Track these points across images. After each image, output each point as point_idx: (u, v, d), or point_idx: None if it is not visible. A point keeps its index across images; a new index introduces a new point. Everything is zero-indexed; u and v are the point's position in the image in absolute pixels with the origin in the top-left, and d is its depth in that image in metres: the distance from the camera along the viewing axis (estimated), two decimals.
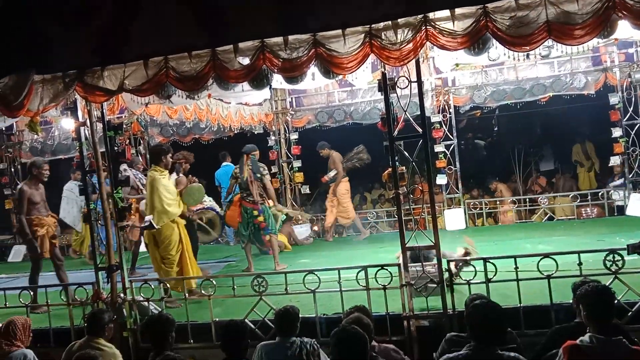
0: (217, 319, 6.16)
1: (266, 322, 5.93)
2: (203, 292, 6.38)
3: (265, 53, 5.75)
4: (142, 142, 11.72)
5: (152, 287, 6.48)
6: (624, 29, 5.70)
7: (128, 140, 11.33)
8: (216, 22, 5.98)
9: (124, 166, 9.94)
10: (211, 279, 6.50)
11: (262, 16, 5.88)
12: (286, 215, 10.64)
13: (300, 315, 4.95)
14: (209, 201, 10.02)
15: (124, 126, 10.98)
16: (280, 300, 6.02)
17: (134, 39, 6.09)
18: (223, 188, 10.92)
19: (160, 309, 6.24)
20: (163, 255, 7.28)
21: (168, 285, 6.73)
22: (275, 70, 5.82)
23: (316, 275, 6.02)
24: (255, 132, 12.11)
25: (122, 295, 6.46)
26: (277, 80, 6.31)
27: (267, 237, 8.96)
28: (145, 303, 6.42)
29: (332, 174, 11.06)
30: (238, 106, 10.62)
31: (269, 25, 5.82)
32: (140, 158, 11.32)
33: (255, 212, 8.81)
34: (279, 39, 5.73)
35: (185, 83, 6.05)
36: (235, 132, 11.52)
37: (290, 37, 5.72)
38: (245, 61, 5.93)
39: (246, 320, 5.96)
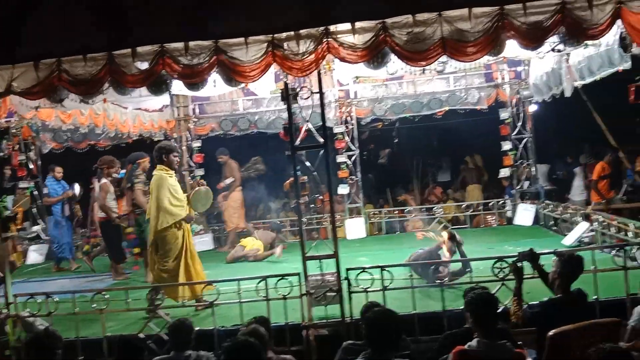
0: (109, 334, 5.90)
1: (162, 337, 5.73)
2: (94, 306, 6.07)
3: (165, 58, 5.64)
4: (33, 147, 11.06)
5: (38, 301, 6.10)
6: (512, 48, 6.07)
7: (17, 146, 10.69)
8: (114, 24, 5.80)
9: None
10: (103, 293, 6.21)
11: (163, 21, 5.77)
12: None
13: (197, 328, 4.85)
14: None
15: (14, 131, 10.39)
16: (177, 313, 5.87)
17: (25, 39, 5.80)
18: None
19: (48, 324, 5.87)
20: (158, 260, 6.78)
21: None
22: (175, 76, 5.72)
23: (215, 286, 5.91)
24: (156, 139, 11.73)
25: (4, 310, 6.04)
26: (177, 87, 6.19)
27: (137, 250, 8.79)
28: (31, 319, 6.02)
29: (228, 181, 11.02)
30: (137, 112, 10.28)
31: (170, 30, 5.72)
32: (32, 165, 10.74)
33: (124, 224, 8.62)
34: (180, 45, 5.64)
35: (79, 87, 5.82)
36: (134, 138, 11.13)
37: (192, 43, 5.64)
38: (144, 66, 5.78)
39: (140, 334, 5.77)
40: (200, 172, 11.76)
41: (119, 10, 5.75)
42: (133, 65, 5.76)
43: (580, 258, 4.89)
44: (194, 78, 5.70)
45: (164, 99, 9.23)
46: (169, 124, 11.77)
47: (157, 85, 5.82)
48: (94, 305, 6.01)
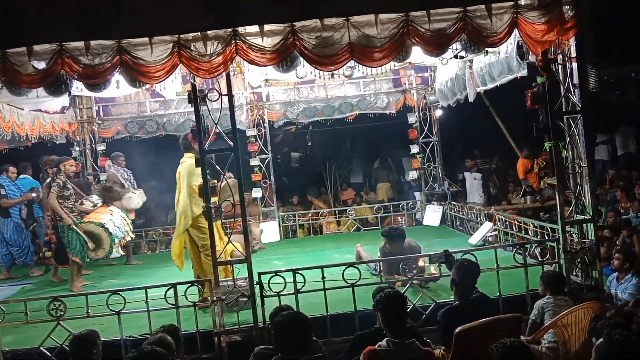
0: (6, 349, 5.55)
1: (64, 349, 5.45)
2: None
3: (64, 58, 5.40)
4: None
5: None
6: (417, 54, 6.25)
7: None
8: (8, 21, 5.50)
9: (108, 162, 10.39)
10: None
11: (62, 18, 5.53)
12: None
13: (102, 339, 4.68)
14: (109, 217, 8.70)
15: None
16: (82, 324, 5.61)
17: None
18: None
19: None
20: (204, 254, 6.52)
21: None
22: (75, 77, 5.49)
23: (121, 295, 5.70)
24: (57, 142, 11.14)
25: None
26: (78, 87, 5.93)
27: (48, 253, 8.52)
28: None
29: None
30: (37, 113, 9.71)
31: (70, 29, 5.49)
32: None
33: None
34: (80, 44, 5.42)
35: None
36: (34, 142, 10.51)
37: (93, 42, 5.44)
38: (41, 65, 5.50)
39: (41, 347, 5.48)
40: (104, 176, 11.24)
41: (11, 7, 5.44)
42: (29, 65, 5.48)
43: (471, 264, 5.02)
44: (96, 79, 5.48)
45: (64, 100, 8.81)
46: (71, 127, 11.18)
47: (56, 85, 5.56)
48: None
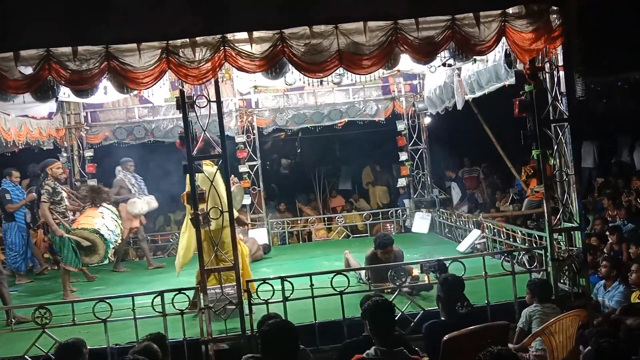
0: None
1: (50, 357, 5.38)
2: None
3: (52, 63, 5.37)
4: None
5: None
6: (406, 61, 6.27)
7: None
8: None
9: (118, 167, 10.15)
10: None
11: (49, 23, 5.49)
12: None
13: (88, 347, 4.62)
14: (101, 221, 8.40)
15: None
16: (68, 332, 5.55)
17: None
18: None
19: None
20: (222, 258, 6.22)
21: None
22: (63, 82, 5.45)
23: (107, 303, 5.64)
24: (44, 148, 11.06)
25: None
26: (65, 93, 5.89)
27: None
28: None
29: None
30: (24, 119, 9.64)
31: (57, 34, 5.45)
32: None
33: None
34: (67, 49, 5.39)
35: None
36: (21, 147, 10.42)
37: (81, 48, 5.40)
38: (28, 70, 5.46)
39: (26, 356, 5.42)
40: (92, 182, 11.16)
41: None
42: (16, 70, 5.44)
43: (455, 279, 4.92)
44: (83, 84, 5.45)
45: (51, 105, 8.73)
46: (59, 132, 11.11)
47: (43, 91, 5.54)
48: None
